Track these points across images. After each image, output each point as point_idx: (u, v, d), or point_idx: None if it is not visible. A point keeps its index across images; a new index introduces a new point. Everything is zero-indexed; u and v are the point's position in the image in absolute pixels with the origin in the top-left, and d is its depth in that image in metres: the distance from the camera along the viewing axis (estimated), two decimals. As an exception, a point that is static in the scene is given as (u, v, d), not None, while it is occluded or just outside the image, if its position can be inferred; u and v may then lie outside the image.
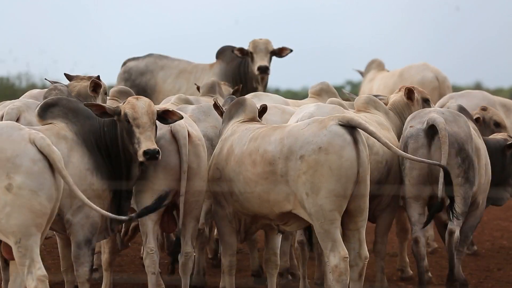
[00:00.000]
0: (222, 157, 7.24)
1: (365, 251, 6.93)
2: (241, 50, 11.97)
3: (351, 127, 6.78)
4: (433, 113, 7.91)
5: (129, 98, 7.07)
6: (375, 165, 7.71)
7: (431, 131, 7.82)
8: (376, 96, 8.81)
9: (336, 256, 6.72)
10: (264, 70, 11.70)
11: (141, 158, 6.80)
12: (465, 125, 7.96)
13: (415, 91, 8.43)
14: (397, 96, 8.47)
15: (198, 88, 10.59)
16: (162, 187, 7.06)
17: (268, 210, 7.01)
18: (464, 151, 7.83)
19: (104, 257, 7.84)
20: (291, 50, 11.96)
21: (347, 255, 6.74)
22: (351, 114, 7.33)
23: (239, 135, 7.22)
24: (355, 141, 6.75)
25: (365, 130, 6.82)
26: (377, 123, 8.04)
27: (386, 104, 8.49)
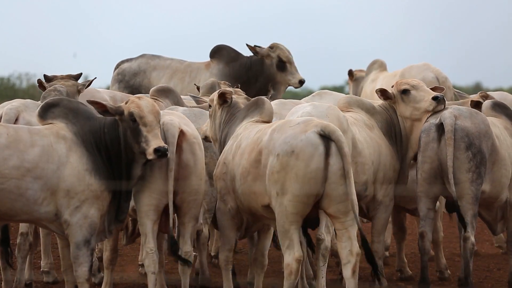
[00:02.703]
0: (230, 153, 7.34)
1: (356, 248, 6.97)
2: (254, 48, 12.03)
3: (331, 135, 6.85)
4: (447, 110, 8.04)
5: (132, 98, 7.09)
6: (360, 166, 7.78)
7: (442, 127, 7.94)
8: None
9: (290, 255, 6.87)
10: (303, 83, 11.94)
11: (151, 156, 6.82)
12: (482, 122, 8.02)
13: (387, 90, 8.38)
14: None
15: (198, 88, 10.59)
16: (159, 187, 7.07)
17: (255, 203, 7.12)
18: (475, 146, 7.89)
19: (106, 255, 7.85)
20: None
21: (301, 258, 6.89)
22: (334, 125, 7.29)
23: (249, 132, 7.34)
24: (328, 153, 6.82)
25: (340, 149, 6.83)
26: (362, 122, 8.11)
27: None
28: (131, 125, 6.93)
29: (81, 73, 8.61)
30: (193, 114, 8.40)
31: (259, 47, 12.09)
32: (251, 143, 7.16)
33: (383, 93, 8.37)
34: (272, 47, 12.05)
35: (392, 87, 8.41)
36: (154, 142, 6.83)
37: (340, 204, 6.87)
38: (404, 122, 8.33)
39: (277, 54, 11.97)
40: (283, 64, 11.97)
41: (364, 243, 7.04)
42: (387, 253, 10.08)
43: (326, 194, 6.84)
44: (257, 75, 11.98)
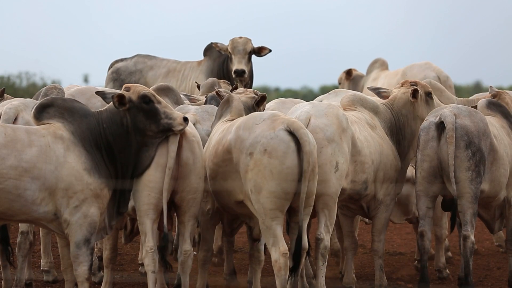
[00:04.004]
0: (206, 155, 7.44)
1: (304, 243, 7.15)
2: (218, 46, 12.06)
3: (300, 131, 6.93)
4: (446, 109, 8.04)
5: (128, 85, 7.12)
6: (360, 165, 7.79)
7: (442, 125, 7.94)
8: (376, 89, 8.81)
9: (276, 251, 6.97)
10: (240, 74, 11.80)
11: (181, 126, 6.98)
12: (481, 121, 8.02)
13: (419, 90, 8.41)
14: (399, 93, 8.46)
15: (198, 86, 10.61)
16: (158, 186, 7.07)
17: (228, 200, 7.25)
18: (474, 144, 7.90)
19: (105, 254, 7.86)
20: (270, 50, 12.09)
21: (287, 251, 6.98)
22: (298, 120, 7.38)
23: (215, 132, 7.46)
24: (299, 148, 6.93)
25: (303, 146, 6.93)
26: (364, 121, 8.10)
27: (388, 97, 8.51)
28: (145, 107, 7.01)
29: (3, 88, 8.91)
30: (206, 112, 8.40)
31: (222, 44, 12.15)
32: (215, 143, 7.29)
33: (415, 91, 8.33)
34: (229, 43, 12.10)
35: (416, 86, 8.39)
36: (176, 114, 7.03)
37: (305, 200, 7.01)
38: (418, 122, 8.35)
39: (228, 48, 12.02)
40: (230, 56, 12.00)
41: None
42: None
43: (298, 188, 6.96)
44: (229, 70, 12.05)
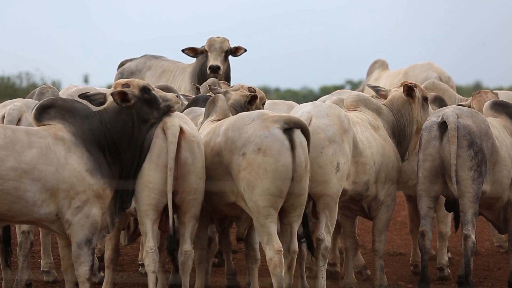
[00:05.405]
0: None
1: (295, 246, 7.21)
2: (193, 49, 12.07)
3: (293, 129, 6.99)
4: (448, 109, 8.07)
5: (122, 82, 7.13)
6: (361, 166, 7.79)
7: (444, 125, 7.96)
8: (375, 87, 8.82)
9: (271, 249, 6.99)
10: (215, 70, 11.83)
11: (178, 104, 7.19)
12: (483, 122, 8.04)
13: (415, 89, 8.42)
14: (397, 92, 8.48)
15: (198, 89, 10.61)
16: (158, 186, 7.08)
17: (218, 202, 7.28)
18: (476, 144, 7.91)
19: (107, 254, 7.86)
20: (245, 50, 12.12)
21: (281, 248, 7.01)
22: (298, 116, 7.43)
23: (202, 133, 7.49)
24: (294, 146, 6.98)
25: (308, 136, 7.04)
26: (367, 122, 8.09)
27: (386, 97, 8.53)
28: (147, 97, 7.10)
29: None
30: None
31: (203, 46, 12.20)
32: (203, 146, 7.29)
33: (409, 89, 8.36)
34: (206, 42, 12.14)
35: (415, 87, 8.41)
36: (169, 94, 7.22)
37: (296, 198, 7.06)
38: (414, 125, 8.38)
39: (205, 46, 12.06)
40: (206, 53, 12.04)
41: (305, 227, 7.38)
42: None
43: (291, 186, 6.99)
44: (205, 72, 12.09)
